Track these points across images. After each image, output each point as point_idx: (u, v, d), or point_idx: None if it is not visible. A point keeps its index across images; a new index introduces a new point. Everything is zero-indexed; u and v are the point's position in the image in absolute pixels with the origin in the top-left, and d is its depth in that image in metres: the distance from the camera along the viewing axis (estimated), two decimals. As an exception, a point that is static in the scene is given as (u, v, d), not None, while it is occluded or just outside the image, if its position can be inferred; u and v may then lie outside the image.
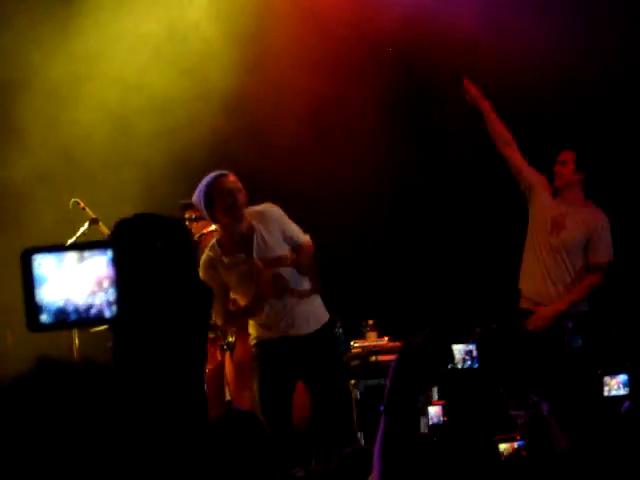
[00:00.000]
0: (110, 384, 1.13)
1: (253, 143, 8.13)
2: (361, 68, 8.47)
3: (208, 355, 6.67)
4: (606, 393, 4.09)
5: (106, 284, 1.19)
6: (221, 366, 6.75)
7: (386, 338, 7.45)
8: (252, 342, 6.10)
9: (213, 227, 6.41)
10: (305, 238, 6.04)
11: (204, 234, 6.75)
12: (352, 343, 7.46)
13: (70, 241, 6.62)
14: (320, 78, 8.23)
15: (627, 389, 4.12)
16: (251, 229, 5.93)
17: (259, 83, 8.19)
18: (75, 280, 1.22)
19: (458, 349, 3.43)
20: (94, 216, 6.73)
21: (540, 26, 8.02)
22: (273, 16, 8.24)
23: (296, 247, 5.99)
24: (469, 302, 8.00)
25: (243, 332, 6.70)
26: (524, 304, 6.92)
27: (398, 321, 7.56)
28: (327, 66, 8.33)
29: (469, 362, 3.44)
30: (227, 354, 6.73)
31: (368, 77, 8.48)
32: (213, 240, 6.03)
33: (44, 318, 1.23)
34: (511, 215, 7.57)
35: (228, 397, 6.61)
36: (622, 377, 4.16)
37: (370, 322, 7.68)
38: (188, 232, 1.21)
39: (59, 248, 1.21)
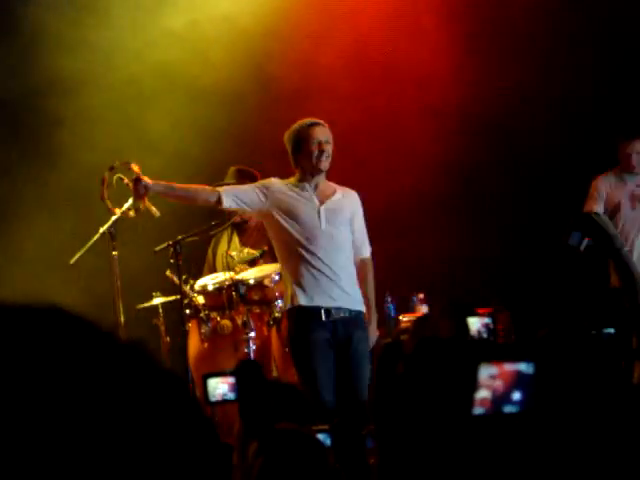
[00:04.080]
0: (74, 334, 1.00)
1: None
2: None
3: (256, 330, 6.63)
4: None
5: None
6: (267, 342, 6.70)
7: (436, 312, 7.35)
8: (290, 306, 5.96)
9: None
10: (369, 251, 6.09)
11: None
12: (401, 317, 7.39)
13: (113, 218, 6.58)
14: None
15: None
16: (332, 191, 5.97)
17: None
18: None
19: (473, 322, 3.37)
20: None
21: None
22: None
23: (355, 248, 6.04)
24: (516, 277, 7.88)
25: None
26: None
27: (448, 294, 7.47)
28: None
29: (485, 335, 3.40)
30: (274, 329, 6.68)
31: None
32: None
33: None
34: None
35: (275, 373, 6.57)
36: None
37: (420, 296, 7.60)
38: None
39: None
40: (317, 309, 5.83)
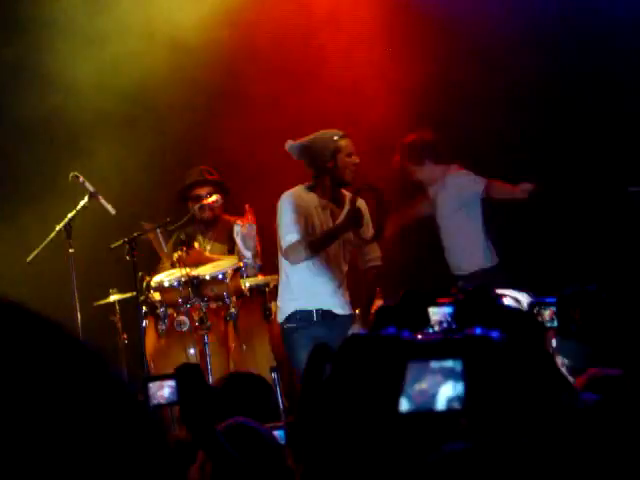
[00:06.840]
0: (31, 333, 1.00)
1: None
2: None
3: (212, 326, 6.66)
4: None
5: None
6: (224, 337, 6.74)
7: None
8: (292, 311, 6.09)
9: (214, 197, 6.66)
10: (379, 256, 6.22)
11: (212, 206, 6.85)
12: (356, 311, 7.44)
13: (69, 216, 6.62)
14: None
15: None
16: (343, 205, 6.02)
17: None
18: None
19: (434, 312, 3.35)
20: (93, 190, 6.71)
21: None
22: None
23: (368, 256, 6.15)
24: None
25: (246, 302, 6.70)
26: None
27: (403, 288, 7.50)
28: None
29: (445, 324, 3.38)
30: (230, 324, 6.72)
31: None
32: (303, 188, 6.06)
33: None
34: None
35: (232, 367, 6.60)
36: None
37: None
38: None
39: None
40: (314, 312, 5.99)
